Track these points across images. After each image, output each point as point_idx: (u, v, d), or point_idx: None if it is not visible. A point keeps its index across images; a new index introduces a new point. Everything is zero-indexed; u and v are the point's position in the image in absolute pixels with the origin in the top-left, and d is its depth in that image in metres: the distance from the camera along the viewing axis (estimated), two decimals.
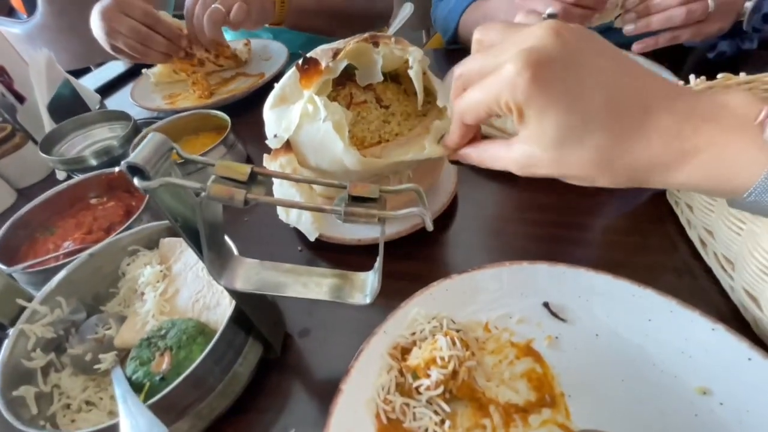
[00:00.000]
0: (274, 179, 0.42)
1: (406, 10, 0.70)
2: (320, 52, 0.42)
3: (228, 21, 0.72)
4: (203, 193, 0.23)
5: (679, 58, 0.73)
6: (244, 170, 0.24)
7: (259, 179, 0.25)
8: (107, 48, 0.78)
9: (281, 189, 0.44)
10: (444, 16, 0.84)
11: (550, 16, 0.32)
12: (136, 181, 0.22)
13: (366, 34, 0.41)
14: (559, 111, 0.25)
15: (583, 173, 0.27)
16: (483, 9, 0.78)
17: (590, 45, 0.26)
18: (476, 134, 0.33)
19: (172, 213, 0.25)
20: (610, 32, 0.79)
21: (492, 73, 0.26)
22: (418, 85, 0.39)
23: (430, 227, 0.25)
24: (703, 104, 0.25)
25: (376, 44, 0.39)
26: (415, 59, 0.39)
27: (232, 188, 0.23)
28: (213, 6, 0.71)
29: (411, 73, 0.39)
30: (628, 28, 0.61)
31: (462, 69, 0.29)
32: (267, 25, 0.82)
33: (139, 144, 0.61)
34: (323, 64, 0.40)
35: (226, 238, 0.37)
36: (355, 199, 0.25)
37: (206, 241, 0.27)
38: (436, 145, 0.38)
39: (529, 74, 0.24)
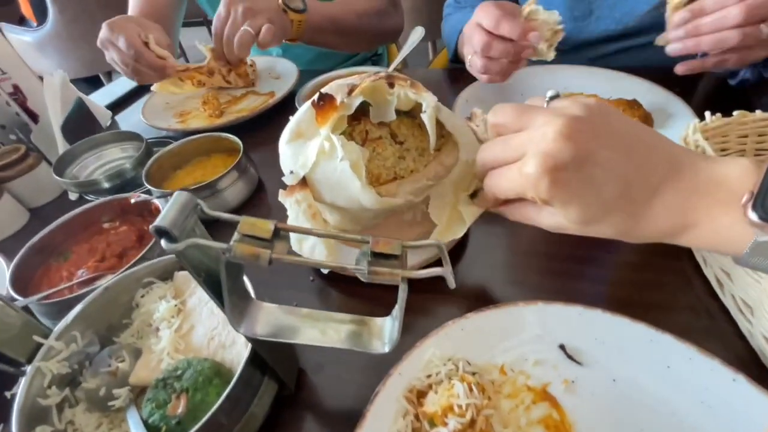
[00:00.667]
0: (289, 212, 0.42)
1: (417, 34, 0.71)
2: (336, 87, 0.42)
3: (257, 41, 0.75)
4: (228, 254, 0.23)
5: (689, 84, 0.73)
6: (267, 227, 0.24)
7: (282, 234, 0.25)
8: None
9: (296, 221, 0.44)
10: (448, 32, 0.84)
11: (552, 98, 0.34)
12: (163, 243, 0.22)
13: (382, 73, 0.41)
14: (578, 205, 0.30)
15: (607, 238, 0.32)
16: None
17: (597, 139, 0.29)
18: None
19: (196, 268, 0.25)
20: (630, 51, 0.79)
21: (515, 170, 0.31)
22: (430, 130, 0.40)
23: (452, 285, 0.25)
24: (704, 178, 0.29)
25: (391, 85, 0.39)
26: (429, 105, 0.39)
27: (257, 248, 0.23)
28: (243, 28, 0.74)
29: (424, 117, 0.40)
30: (675, 47, 0.55)
31: (485, 156, 0.34)
32: (288, 42, 0.85)
33: (151, 167, 0.62)
34: (338, 100, 0.40)
35: (246, 280, 0.37)
36: (378, 256, 0.25)
37: (228, 293, 0.27)
38: (471, 206, 0.41)
39: (548, 179, 0.28)
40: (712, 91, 0.74)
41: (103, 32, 0.78)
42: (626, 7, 0.74)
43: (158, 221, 0.22)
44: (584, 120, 0.29)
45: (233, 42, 0.75)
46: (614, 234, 0.31)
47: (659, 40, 0.57)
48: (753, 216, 0.26)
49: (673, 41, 0.55)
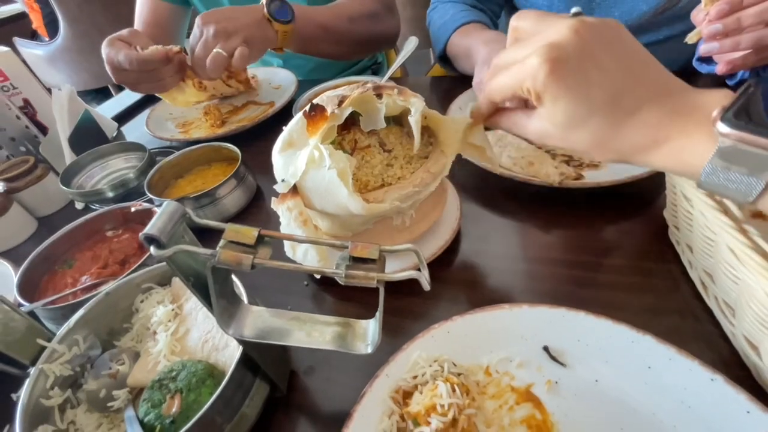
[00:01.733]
0: (281, 219, 0.44)
1: (410, 45, 0.72)
2: (326, 99, 0.43)
3: (229, 65, 0.73)
4: (213, 259, 0.25)
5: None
6: (251, 234, 0.26)
7: (266, 240, 0.27)
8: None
9: (288, 228, 0.45)
10: (438, 27, 0.84)
11: (576, 14, 0.35)
12: (152, 249, 0.24)
13: (369, 84, 0.42)
14: (568, 101, 0.30)
15: (582, 149, 0.32)
16: (468, 42, 0.75)
17: (604, 45, 0.30)
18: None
19: (185, 273, 0.27)
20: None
21: (519, 62, 0.31)
22: (416, 133, 0.41)
23: (427, 288, 0.26)
24: (688, 102, 0.29)
25: (379, 96, 0.41)
26: (417, 109, 0.40)
27: (240, 254, 0.25)
28: (215, 51, 0.71)
29: (411, 120, 0.41)
30: (710, 47, 0.50)
31: (498, 60, 0.35)
32: (273, 51, 0.83)
33: (153, 177, 0.64)
34: (329, 111, 0.42)
35: (238, 283, 0.38)
36: (356, 260, 0.27)
37: (215, 296, 0.28)
38: (467, 120, 0.42)
39: (547, 68, 0.29)
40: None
41: (104, 52, 0.77)
42: (626, 6, 0.75)
43: (147, 229, 0.24)
44: (597, 25, 0.30)
45: (204, 63, 0.72)
46: (591, 143, 0.31)
47: (690, 37, 0.52)
48: (721, 126, 0.26)
49: (707, 39, 0.49)
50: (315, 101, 0.43)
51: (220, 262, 0.25)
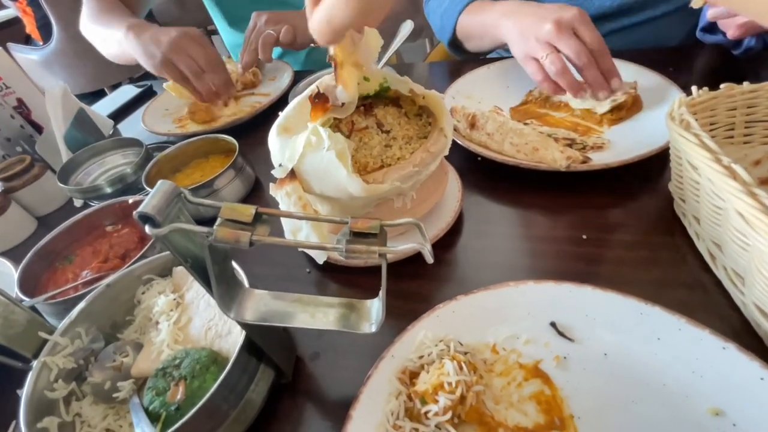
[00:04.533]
0: (281, 205, 0.43)
1: (405, 29, 0.71)
2: (326, 87, 0.42)
3: (279, 42, 0.86)
4: (210, 237, 0.24)
5: (684, 62, 0.73)
6: (248, 212, 0.25)
7: (263, 218, 0.26)
8: (153, 69, 0.80)
9: (289, 219, 0.45)
10: (442, 12, 0.82)
11: None
12: (147, 228, 0.23)
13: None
14: None
15: None
16: (481, 19, 0.74)
17: None
18: None
19: (182, 254, 0.26)
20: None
21: None
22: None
23: (430, 260, 0.26)
24: None
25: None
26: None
27: (238, 231, 0.24)
28: (265, 32, 0.86)
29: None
30: (718, 11, 0.48)
31: None
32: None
33: (150, 171, 0.64)
34: (331, 102, 0.41)
35: (238, 269, 0.38)
36: (357, 235, 0.26)
37: (215, 278, 0.28)
38: None
39: None
40: (707, 68, 0.73)
41: (179, 37, 0.77)
42: None
43: (141, 208, 0.23)
44: None
45: (256, 46, 0.86)
46: None
47: (696, 2, 0.51)
48: None
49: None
50: (318, 85, 0.42)
51: (217, 240, 0.24)
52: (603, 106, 0.61)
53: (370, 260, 0.25)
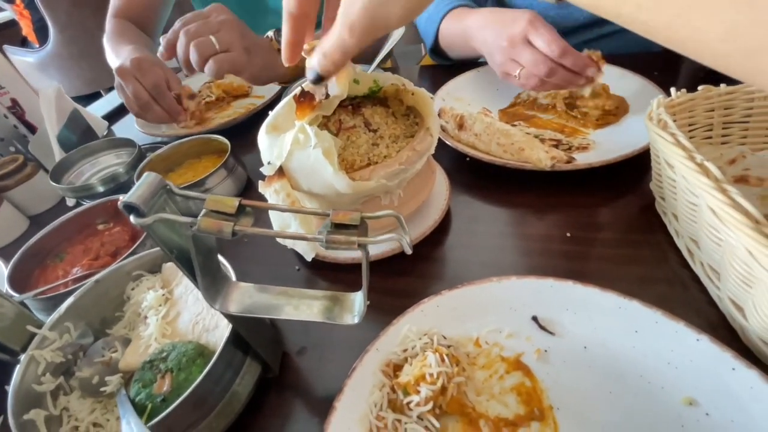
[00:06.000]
0: (269, 200, 0.44)
1: (397, 33, 0.72)
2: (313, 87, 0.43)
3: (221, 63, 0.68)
4: (194, 227, 0.25)
5: (670, 66, 0.74)
6: (232, 203, 0.26)
7: (247, 210, 0.27)
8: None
9: (278, 214, 0.45)
10: (425, 19, 0.83)
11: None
12: (132, 218, 0.24)
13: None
14: None
15: None
16: (464, 24, 0.74)
17: None
18: None
19: (168, 245, 0.27)
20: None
21: None
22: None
23: (408, 251, 0.26)
24: None
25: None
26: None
27: (221, 221, 0.25)
28: (222, 55, 0.67)
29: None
30: None
31: None
32: None
33: (143, 170, 0.64)
34: (317, 99, 0.42)
35: (225, 263, 0.38)
36: (338, 227, 0.27)
37: (200, 269, 0.28)
38: None
39: None
40: (691, 71, 0.75)
41: (129, 64, 0.75)
42: None
43: (126, 197, 0.24)
44: None
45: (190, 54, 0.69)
46: None
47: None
48: None
49: None
50: (303, 85, 0.43)
51: (201, 230, 0.25)
52: (586, 91, 0.64)
53: (351, 251, 0.26)
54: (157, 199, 0.25)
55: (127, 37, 0.93)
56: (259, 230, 0.25)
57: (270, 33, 0.79)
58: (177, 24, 0.70)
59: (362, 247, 0.26)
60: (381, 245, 0.48)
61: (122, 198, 0.59)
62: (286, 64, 0.39)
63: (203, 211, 0.26)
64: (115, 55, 0.89)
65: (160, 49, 0.70)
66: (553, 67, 0.58)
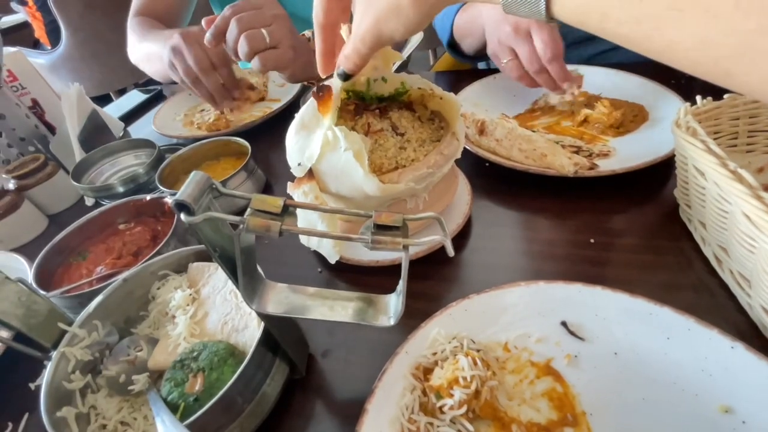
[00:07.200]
0: (296, 199, 0.44)
1: (416, 37, 0.73)
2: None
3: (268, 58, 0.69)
4: (242, 226, 0.25)
5: (686, 75, 0.74)
6: (277, 203, 0.26)
7: (290, 210, 0.27)
8: (165, 63, 0.76)
9: (304, 215, 0.46)
10: (440, 16, 0.86)
11: None
12: (182, 216, 0.24)
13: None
14: None
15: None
16: (478, 9, 0.75)
17: None
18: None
19: (212, 244, 0.27)
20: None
21: None
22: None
23: (451, 253, 0.27)
24: None
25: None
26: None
27: (269, 220, 0.25)
28: (270, 52, 0.67)
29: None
30: None
31: None
32: None
33: (163, 171, 0.64)
34: (335, 87, 0.42)
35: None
36: (380, 227, 0.27)
37: (242, 269, 0.29)
38: None
39: None
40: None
41: (193, 29, 0.73)
42: None
43: (178, 196, 0.24)
44: None
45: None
46: None
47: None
48: None
49: None
50: (324, 83, 0.44)
51: (249, 229, 0.25)
52: (553, 98, 0.69)
53: (393, 252, 0.26)
54: (204, 198, 0.26)
55: (158, 27, 0.92)
56: (306, 230, 0.26)
57: (307, 33, 0.79)
58: (227, 10, 0.67)
59: (405, 248, 0.26)
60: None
61: (149, 197, 0.59)
62: (322, 75, 0.40)
63: (249, 211, 0.26)
64: (153, 38, 0.86)
65: (207, 36, 0.68)
66: (542, 67, 0.62)
